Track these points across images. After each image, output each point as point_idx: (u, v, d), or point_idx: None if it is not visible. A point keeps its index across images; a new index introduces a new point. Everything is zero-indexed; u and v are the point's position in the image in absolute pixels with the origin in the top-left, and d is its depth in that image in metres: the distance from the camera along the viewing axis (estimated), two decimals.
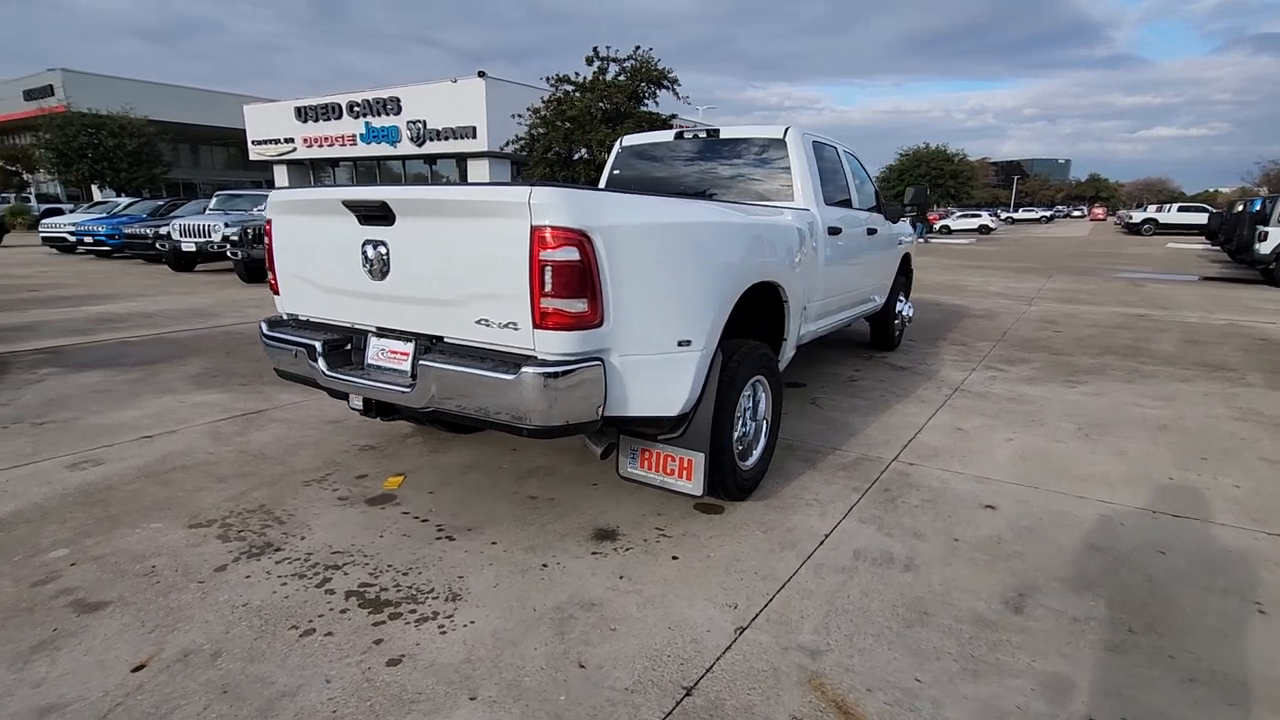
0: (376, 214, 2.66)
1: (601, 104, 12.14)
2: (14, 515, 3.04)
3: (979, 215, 42.64)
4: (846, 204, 5.03)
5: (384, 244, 2.67)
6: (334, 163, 31.96)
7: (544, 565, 2.65)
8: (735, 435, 3.08)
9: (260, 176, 38.95)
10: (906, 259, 6.67)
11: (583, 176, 11.71)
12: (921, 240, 29.95)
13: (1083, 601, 2.43)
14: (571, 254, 2.29)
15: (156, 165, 23.69)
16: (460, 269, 2.50)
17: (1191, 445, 4.05)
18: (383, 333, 2.85)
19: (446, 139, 25.45)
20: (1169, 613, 2.37)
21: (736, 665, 2.07)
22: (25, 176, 31.62)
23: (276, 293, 3.24)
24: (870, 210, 5.63)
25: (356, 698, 1.92)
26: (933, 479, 3.52)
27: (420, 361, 2.59)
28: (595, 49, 13.15)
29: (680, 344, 2.63)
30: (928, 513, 3.13)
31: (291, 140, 32.04)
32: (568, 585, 2.51)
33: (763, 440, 3.38)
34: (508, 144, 17.76)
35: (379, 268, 2.71)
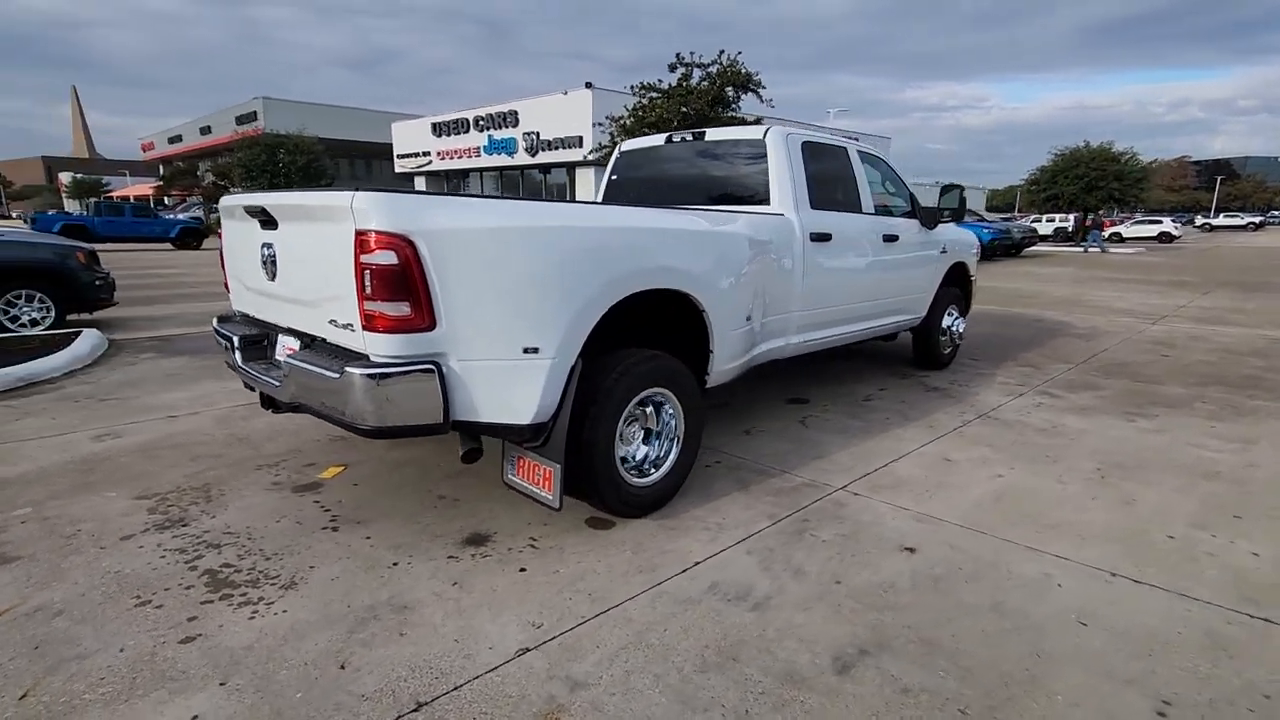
0: (266, 218, 2.84)
1: (683, 109, 12.01)
2: (19, 476, 3.56)
3: (1160, 221, 37.61)
4: (852, 209, 4.64)
5: (272, 246, 2.85)
6: (464, 174, 34.22)
7: (395, 564, 2.69)
8: (620, 450, 2.96)
9: (410, 189, 42.66)
10: (959, 270, 6.04)
11: None
12: (1097, 250, 26.85)
13: (931, 671, 2.08)
14: (390, 258, 2.31)
15: (321, 178, 26.74)
16: (317, 271, 2.61)
17: (1233, 500, 3.33)
18: (285, 331, 3.03)
19: (556, 149, 26.53)
20: (1030, 700, 1.97)
21: (488, 687, 1.99)
22: (230, 190, 36.82)
23: (228, 290, 3.55)
24: (902, 215, 5.18)
25: (130, 668, 2.06)
26: (866, 513, 3.16)
27: (285, 359, 2.73)
28: (678, 55, 13.08)
29: (526, 351, 2.56)
30: (831, 549, 2.82)
31: (428, 153, 34.76)
32: (398, 586, 2.53)
33: (672, 457, 3.21)
34: (591, 152, 18.06)
35: (271, 269, 2.89)
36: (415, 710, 1.90)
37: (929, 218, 5.33)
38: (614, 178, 5.06)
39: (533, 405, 2.61)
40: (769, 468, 3.71)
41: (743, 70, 12.29)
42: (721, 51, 12.35)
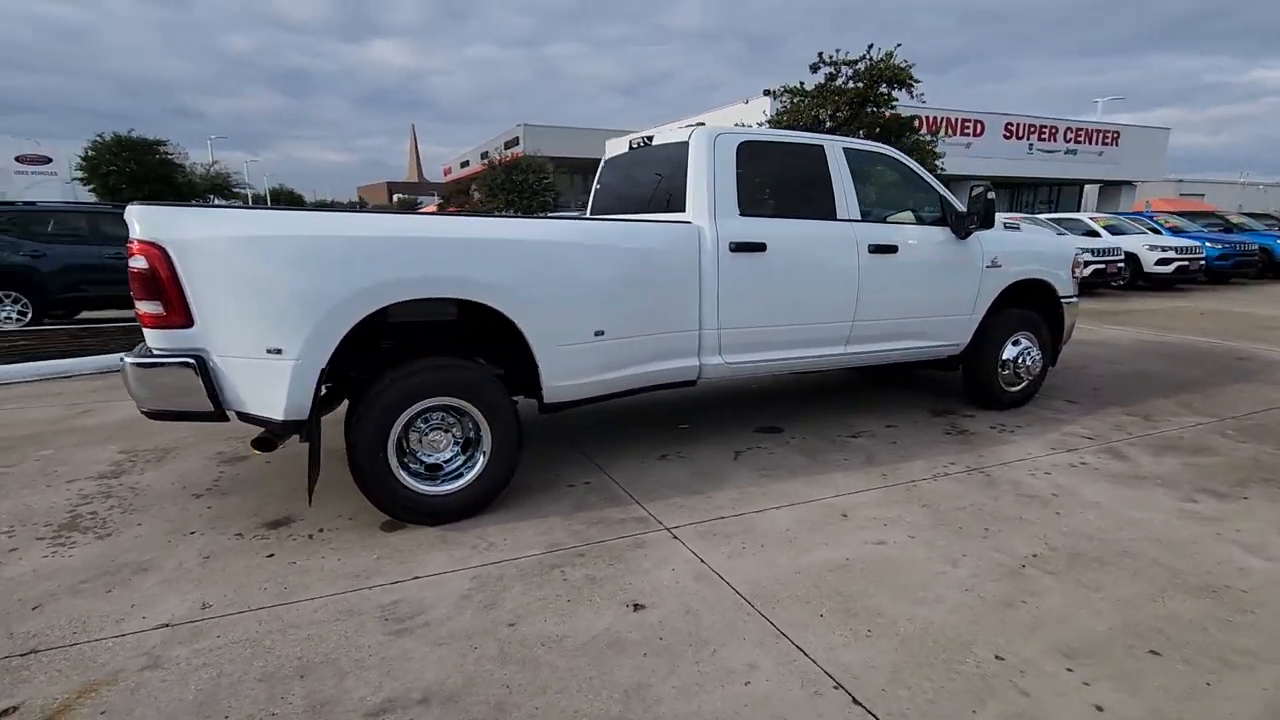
0: None
1: (824, 110, 10.97)
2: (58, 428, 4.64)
3: None
4: (820, 215, 4.05)
5: None
6: None
7: (192, 532, 3.04)
8: (429, 457, 3.02)
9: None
10: (1034, 288, 4.87)
11: None
12: None
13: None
14: (142, 262, 2.65)
15: (546, 194, 29.61)
16: None
17: (1178, 636, 2.31)
18: None
19: None
20: None
21: (94, 650, 2.19)
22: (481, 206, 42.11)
23: None
24: (930, 223, 4.40)
25: None
26: (652, 559, 2.78)
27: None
28: (820, 54, 11.93)
29: (270, 351, 2.73)
30: (555, 590, 2.55)
31: None
32: (167, 551, 2.86)
33: (476, 469, 3.14)
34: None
35: None
36: (25, 655, 2.18)
37: (960, 225, 4.41)
38: (598, 186, 4.99)
39: (281, 403, 2.77)
40: (628, 496, 3.42)
41: (902, 64, 10.89)
42: (870, 46, 11.15)
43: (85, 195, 26.62)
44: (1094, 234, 13.80)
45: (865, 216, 4.28)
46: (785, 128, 10.49)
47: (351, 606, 2.45)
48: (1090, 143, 27.00)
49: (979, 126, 24.02)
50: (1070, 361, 6.70)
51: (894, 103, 11.07)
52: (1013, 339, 4.84)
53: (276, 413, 2.79)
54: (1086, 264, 12.32)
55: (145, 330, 2.76)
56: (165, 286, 2.66)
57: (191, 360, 2.73)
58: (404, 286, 2.86)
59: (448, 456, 3.17)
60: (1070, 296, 5.08)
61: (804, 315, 4.02)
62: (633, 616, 2.38)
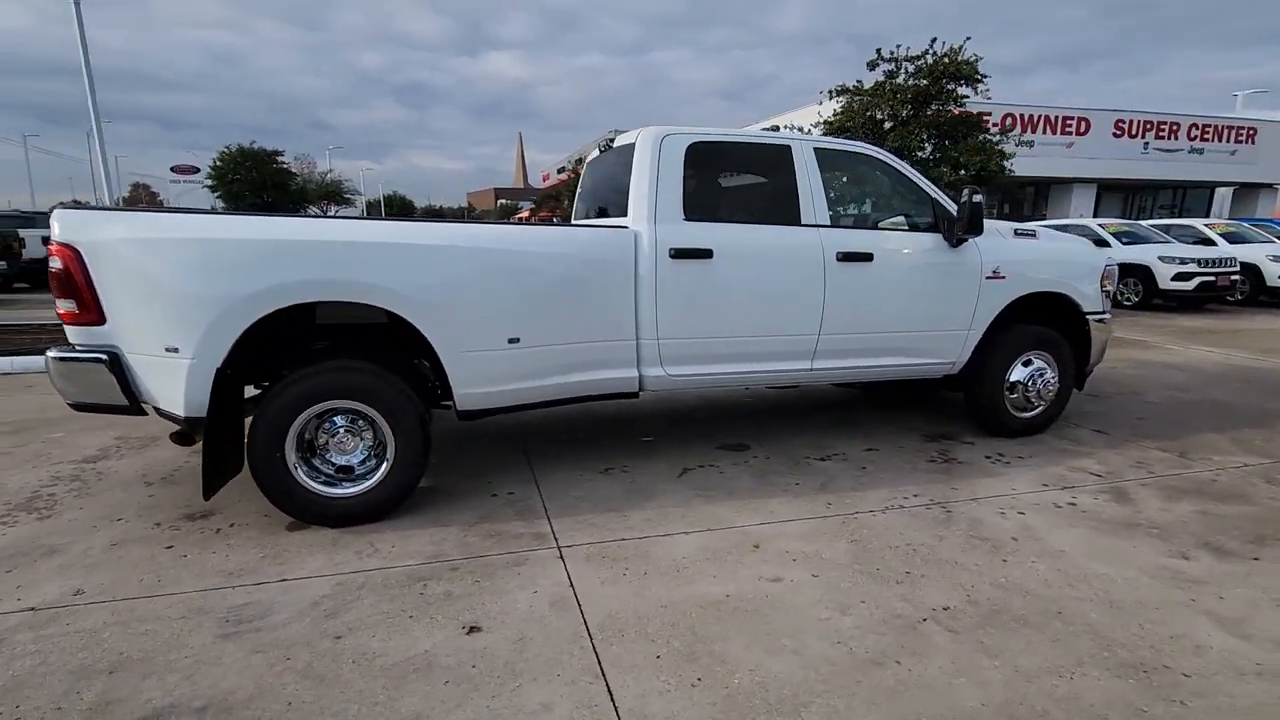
0: None
1: (882, 109, 10.18)
2: None
3: None
4: (781, 219, 3.78)
5: None
6: None
7: (119, 520, 3.19)
8: (297, 457, 3.02)
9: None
10: (1054, 302, 4.35)
11: None
12: None
13: None
14: (57, 263, 2.81)
15: None
16: None
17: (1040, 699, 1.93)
18: None
19: None
20: None
21: None
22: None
23: None
24: (922, 229, 4.04)
25: None
26: (518, 579, 2.65)
27: None
28: (878, 51, 11.02)
29: (168, 350, 2.82)
30: (389, 604, 2.47)
31: None
32: (82, 535, 3.01)
33: (379, 474, 3.12)
34: None
35: None
36: None
37: (952, 230, 3.98)
38: (580, 189, 4.90)
39: (179, 399, 2.86)
40: (543, 510, 3.30)
41: (969, 59, 9.93)
42: (934, 40, 10.25)
43: (215, 201, 29.36)
44: (1208, 242, 12.31)
45: (841, 221, 3.97)
46: (839, 129, 9.94)
47: (203, 605, 2.48)
48: (1220, 140, 24.01)
49: (1083, 124, 21.89)
50: (1125, 385, 5.97)
51: (963, 99, 10.20)
52: (1023, 359, 4.33)
53: (179, 409, 2.88)
54: (1191, 275, 11.00)
55: (65, 327, 2.93)
56: (79, 286, 2.80)
57: (104, 356, 2.87)
58: (295, 290, 2.87)
59: (359, 459, 3.18)
60: (1098, 312, 4.49)
61: (758, 327, 3.76)
62: (463, 639, 2.27)
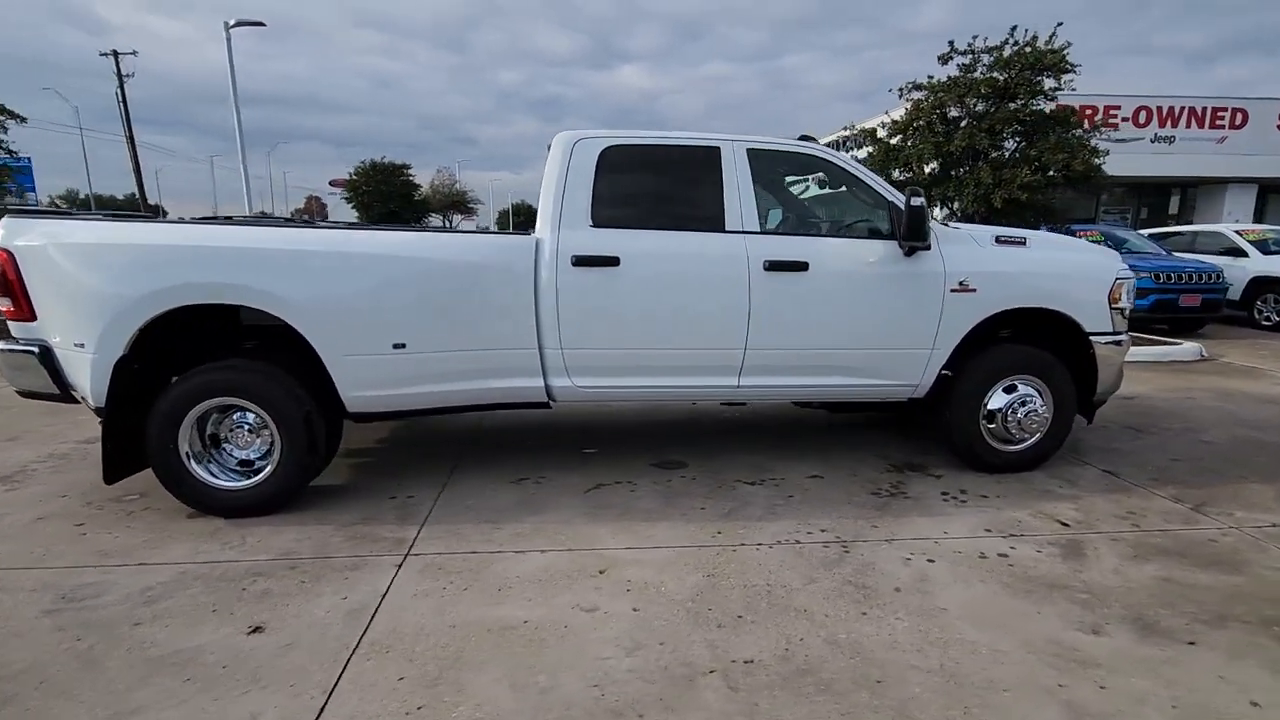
0: None
1: (954, 105, 9.09)
2: None
3: None
4: (705, 225, 3.56)
5: None
6: None
7: (64, 496, 3.54)
8: (186, 448, 3.20)
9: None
10: (1047, 319, 3.79)
11: (969, 193, 9.04)
12: None
13: None
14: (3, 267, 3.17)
15: None
16: None
17: None
18: None
19: None
20: None
21: None
22: None
23: None
24: (875, 236, 3.69)
25: None
26: (338, 584, 2.64)
27: None
28: (951, 43, 9.76)
29: (76, 345, 3.09)
30: (206, 597, 2.54)
31: None
32: (15, 508, 3.36)
33: (266, 470, 3.25)
34: None
35: None
36: None
37: (908, 236, 3.55)
38: None
39: (88, 389, 3.13)
40: (423, 516, 3.29)
41: (1056, 48, 8.63)
42: (1014, 28, 8.99)
43: (352, 211, 32.26)
44: None
45: (781, 227, 3.68)
46: (905, 127, 9.15)
47: (57, 581, 2.68)
48: None
49: (1239, 116, 18.77)
50: (1187, 418, 5.09)
51: (1054, 92, 8.98)
52: (1004, 383, 3.79)
53: (91, 400, 3.16)
54: None
55: (8, 323, 3.29)
56: (11, 286, 3.14)
57: (35, 349, 3.19)
58: (180, 292, 3.06)
59: (257, 455, 3.32)
60: (1106, 333, 3.84)
61: (673, 339, 3.55)
62: (239, 639, 2.30)
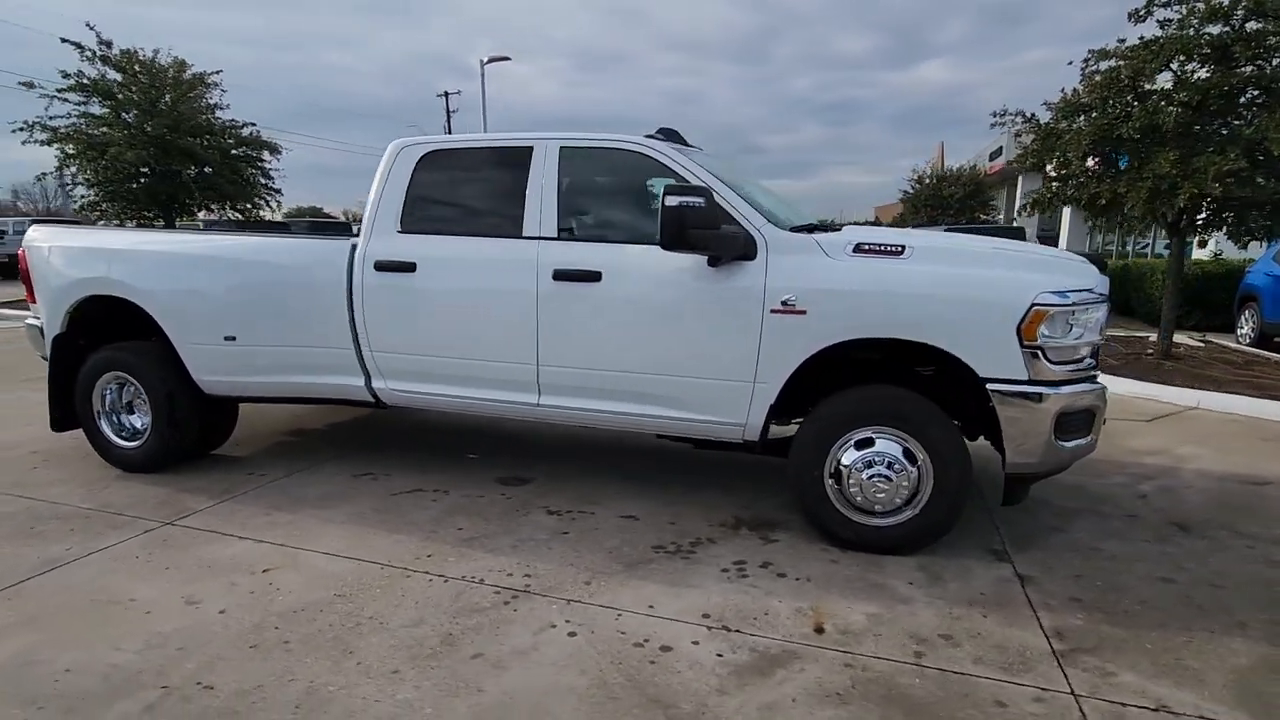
0: None
1: (1150, 75, 6.14)
2: None
3: None
4: (504, 231, 3.36)
5: None
6: None
7: (36, 479, 4.61)
8: (97, 408, 3.95)
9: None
10: (929, 356, 2.86)
11: (1143, 189, 6.40)
12: None
13: None
14: (20, 261, 4.27)
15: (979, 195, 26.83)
16: None
17: None
18: None
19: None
20: None
21: None
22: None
23: None
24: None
25: None
26: (90, 536, 3.07)
27: None
28: None
29: (37, 320, 4.05)
30: None
31: None
32: None
33: (145, 435, 3.87)
34: (1012, 161, 11.11)
35: None
36: None
37: (723, 246, 2.92)
38: None
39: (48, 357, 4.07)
40: (239, 494, 3.64)
41: None
42: None
43: None
44: None
45: (591, 232, 3.32)
46: (1085, 107, 6.91)
47: None
48: None
49: None
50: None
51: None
52: (857, 435, 2.91)
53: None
54: None
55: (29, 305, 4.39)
56: (26, 277, 4.22)
57: (36, 324, 4.25)
58: (81, 285, 3.82)
59: (143, 423, 3.97)
60: (1012, 381, 2.71)
61: (466, 349, 3.40)
62: None
